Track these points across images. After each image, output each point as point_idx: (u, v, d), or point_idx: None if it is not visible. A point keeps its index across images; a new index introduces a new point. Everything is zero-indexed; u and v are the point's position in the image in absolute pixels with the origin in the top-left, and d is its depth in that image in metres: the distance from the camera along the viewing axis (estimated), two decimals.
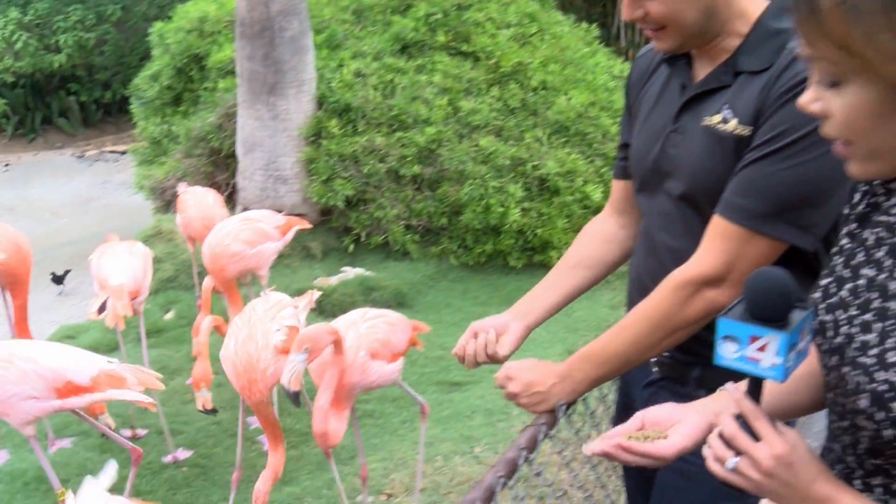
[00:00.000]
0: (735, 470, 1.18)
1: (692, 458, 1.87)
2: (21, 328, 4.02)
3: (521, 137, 6.96)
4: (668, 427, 1.48)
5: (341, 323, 3.25)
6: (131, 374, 3.27)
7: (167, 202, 7.40)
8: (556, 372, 1.86)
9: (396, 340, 3.34)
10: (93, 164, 12.63)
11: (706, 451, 1.25)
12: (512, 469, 1.79)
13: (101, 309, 4.04)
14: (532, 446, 1.87)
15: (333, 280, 6.47)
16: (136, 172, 8.17)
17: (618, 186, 2.11)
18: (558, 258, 7.48)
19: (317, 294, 4.14)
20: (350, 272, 6.56)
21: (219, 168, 7.30)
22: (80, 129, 13.69)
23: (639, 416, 1.51)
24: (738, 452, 1.17)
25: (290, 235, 4.68)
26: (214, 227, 4.62)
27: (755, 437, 1.16)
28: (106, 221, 10.21)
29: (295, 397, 2.73)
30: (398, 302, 6.20)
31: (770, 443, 1.14)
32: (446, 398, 4.99)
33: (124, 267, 4.28)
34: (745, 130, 1.67)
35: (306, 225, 4.94)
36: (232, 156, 7.25)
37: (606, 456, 1.51)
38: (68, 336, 5.90)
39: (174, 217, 6.93)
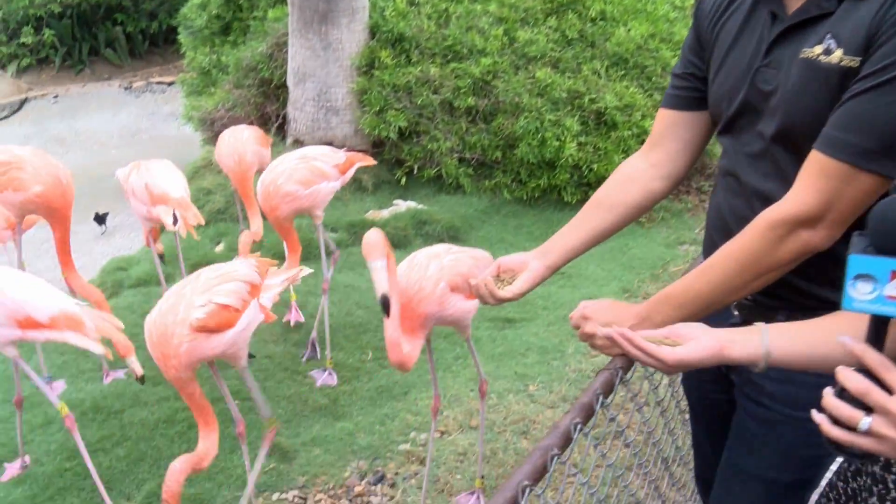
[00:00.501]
0: (869, 431, 1.06)
1: (777, 405, 1.80)
2: (64, 260, 3.97)
3: (578, 69, 6.76)
4: (683, 340, 1.53)
5: (423, 255, 3.17)
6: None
7: (216, 133, 7.33)
8: (635, 313, 1.79)
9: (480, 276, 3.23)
10: (140, 95, 12.64)
11: (818, 417, 1.14)
12: (588, 414, 1.75)
13: (175, 220, 4.05)
14: (608, 391, 1.81)
15: (385, 213, 6.41)
16: (185, 103, 8.12)
17: (662, 116, 2.00)
18: None
19: (306, 271, 3.65)
20: (402, 205, 6.48)
21: (269, 99, 7.21)
22: (127, 60, 13.67)
23: (668, 328, 1.58)
24: (869, 410, 1.06)
25: (350, 174, 4.52)
26: (241, 160, 4.65)
27: (888, 390, 1.04)
28: (154, 153, 10.16)
29: (385, 302, 2.54)
30: (451, 236, 6.12)
31: None
32: (500, 335, 4.94)
33: (177, 179, 4.27)
34: (852, 62, 1.53)
35: (370, 162, 4.73)
36: (283, 86, 7.15)
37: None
38: (119, 268, 5.93)
39: None
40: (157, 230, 4.73)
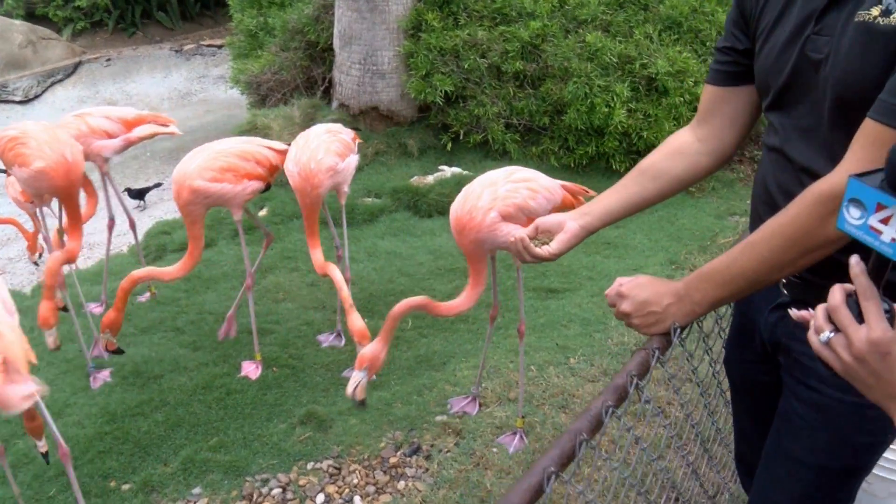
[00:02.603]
0: (827, 344, 1.15)
1: (828, 388, 1.70)
2: (72, 233, 3.82)
3: (629, 33, 6.55)
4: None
5: (478, 182, 3.19)
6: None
7: (262, 96, 7.32)
8: (673, 291, 1.73)
9: (538, 206, 3.20)
10: (190, 58, 12.67)
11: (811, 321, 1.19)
12: (621, 396, 1.67)
13: None
14: (643, 372, 1.74)
15: (430, 179, 6.32)
16: (233, 66, 8.09)
17: (708, 92, 1.91)
18: None
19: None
20: (447, 171, 6.38)
21: (315, 62, 7.13)
22: (179, 23, 13.71)
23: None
24: (837, 329, 1.13)
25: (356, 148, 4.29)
26: (310, 176, 3.80)
27: (861, 318, 1.10)
28: (203, 116, 10.28)
29: (361, 403, 3.03)
30: None
31: (872, 326, 1.08)
32: (542, 305, 4.84)
33: None
34: None
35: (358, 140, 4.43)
36: (329, 49, 7.07)
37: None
38: (163, 231, 5.95)
39: (269, 112, 6.86)
40: None
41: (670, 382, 1.90)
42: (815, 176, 1.57)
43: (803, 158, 1.63)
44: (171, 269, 3.80)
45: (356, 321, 3.46)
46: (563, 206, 3.42)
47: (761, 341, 1.90)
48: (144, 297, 4.89)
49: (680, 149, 1.95)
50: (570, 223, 1.95)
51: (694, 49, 6.62)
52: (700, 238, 5.70)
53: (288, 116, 6.55)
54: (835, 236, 1.49)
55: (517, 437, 3.60)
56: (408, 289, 5.00)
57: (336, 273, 3.71)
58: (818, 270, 1.60)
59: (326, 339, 4.45)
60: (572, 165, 6.61)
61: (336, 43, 6.86)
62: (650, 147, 6.39)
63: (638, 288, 1.77)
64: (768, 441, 1.92)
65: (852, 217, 1.13)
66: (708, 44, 6.68)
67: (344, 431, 3.70)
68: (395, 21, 6.62)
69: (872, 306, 1.10)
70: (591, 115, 6.25)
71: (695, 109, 6.33)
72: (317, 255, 3.82)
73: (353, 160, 4.01)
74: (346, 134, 3.99)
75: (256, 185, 3.87)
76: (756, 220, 1.81)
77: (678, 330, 1.77)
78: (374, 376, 3.13)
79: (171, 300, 4.85)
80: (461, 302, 3.16)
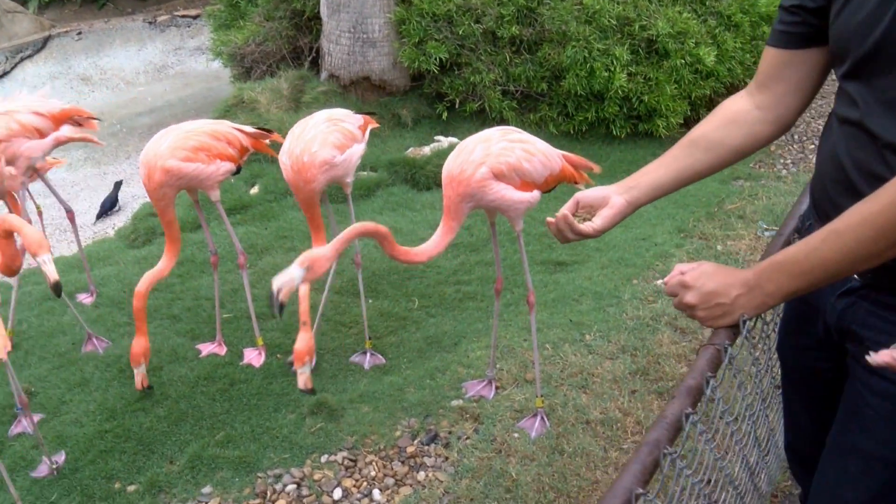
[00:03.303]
0: None
1: None
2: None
3: None
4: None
5: (473, 137, 3.13)
6: None
7: (247, 69, 7.10)
8: (742, 281, 1.61)
9: (532, 170, 3.14)
10: (165, 30, 12.31)
11: None
12: (696, 398, 1.55)
13: None
14: (715, 369, 1.61)
15: (426, 150, 6.14)
16: (213, 38, 7.82)
17: (770, 55, 1.77)
18: (665, 128, 7.07)
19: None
20: (444, 141, 6.21)
21: (301, 31, 6.90)
22: None
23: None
24: None
25: (367, 136, 4.06)
26: (302, 169, 3.56)
27: None
28: (182, 89, 10.01)
29: (280, 307, 2.59)
30: None
31: None
32: (551, 279, 4.71)
33: None
34: None
35: (375, 125, 4.28)
36: (316, 17, 6.83)
37: (890, 367, 1.41)
38: (152, 213, 5.74)
39: (255, 85, 6.63)
40: None
41: (736, 377, 1.77)
42: None
43: (889, 135, 1.49)
44: (163, 265, 3.63)
45: (302, 341, 3.19)
46: (562, 176, 3.33)
47: (825, 328, 1.78)
48: (88, 299, 4.62)
49: (736, 117, 1.83)
50: (616, 198, 1.86)
51: (693, 9, 6.46)
52: (706, 205, 5.59)
53: (275, 89, 6.34)
54: None
55: (538, 419, 3.49)
56: (410, 266, 4.85)
57: (303, 288, 3.31)
58: None
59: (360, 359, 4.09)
60: (571, 132, 6.46)
61: (323, 11, 6.62)
62: (651, 111, 6.28)
63: (703, 277, 1.65)
64: (834, 433, 1.81)
65: None
66: (707, 3, 6.53)
67: (357, 420, 3.57)
68: None
69: None
70: (591, 79, 6.09)
71: (696, 71, 6.24)
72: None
73: (357, 150, 3.75)
74: (350, 122, 3.76)
75: (228, 165, 3.73)
76: (824, 200, 1.69)
77: (746, 322, 1.64)
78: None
79: (164, 287, 4.67)
80: (424, 250, 3.01)
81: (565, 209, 1.88)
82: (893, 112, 1.49)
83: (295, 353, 3.19)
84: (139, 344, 3.56)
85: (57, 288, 2.83)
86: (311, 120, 3.67)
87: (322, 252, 2.67)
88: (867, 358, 1.36)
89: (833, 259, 1.48)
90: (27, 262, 3.69)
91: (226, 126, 3.78)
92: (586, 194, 1.90)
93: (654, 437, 1.43)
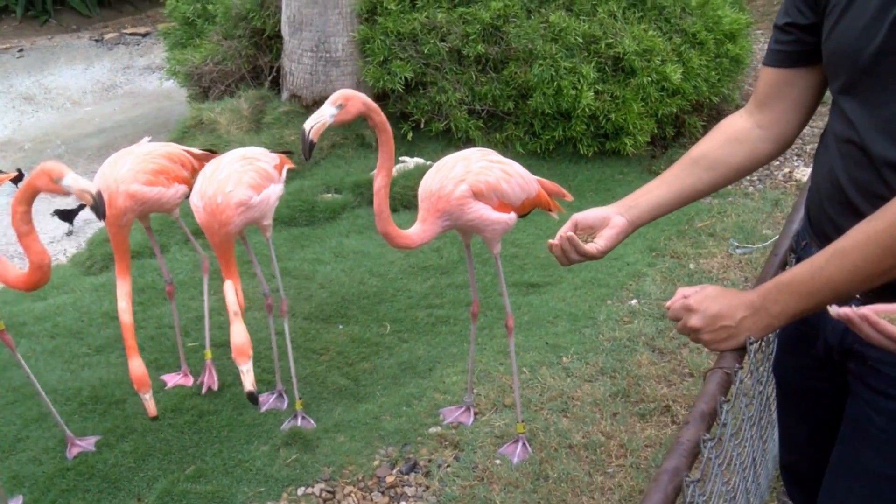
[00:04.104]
0: None
1: None
2: None
3: (593, 12, 6.45)
4: None
5: (454, 156, 3.20)
6: None
7: (204, 88, 7.03)
8: (747, 303, 1.63)
9: (510, 191, 3.19)
10: (112, 47, 12.16)
11: None
12: (710, 422, 1.58)
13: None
14: (725, 392, 1.64)
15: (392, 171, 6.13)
16: (169, 57, 7.74)
17: (767, 75, 1.82)
18: (632, 146, 7.16)
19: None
20: (409, 162, 6.21)
21: (261, 50, 6.86)
22: (96, 9, 13.16)
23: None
24: None
25: (284, 176, 3.79)
26: (216, 211, 3.33)
27: None
28: (131, 109, 9.86)
29: (310, 147, 2.74)
30: None
31: None
32: (524, 301, 4.73)
33: None
34: None
35: (291, 165, 4.06)
36: (277, 36, 6.80)
37: (850, 321, 1.41)
38: (108, 239, 5.63)
39: (214, 105, 6.58)
40: None
41: (743, 399, 1.79)
42: None
43: (887, 153, 1.52)
44: (125, 284, 3.49)
45: (239, 333, 3.04)
46: (538, 201, 3.39)
47: (825, 347, 1.81)
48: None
49: (737, 136, 1.87)
50: (617, 217, 1.89)
51: (659, 27, 6.57)
52: (676, 222, 5.66)
53: (235, 109, 6.29)
54: None
55: (520, 444, 3.49)
56: (381, 290, 4.84)
57: (227, 293, 3.23)
58: None
59: (267, 401, 3.87)
60: (538, 151, 6.51)
61: (285, 29, 6.60)
62: (618, 129, 6.36)
63: (708, 300, 1.67)
64: (838, 453, 1.83)
65: None
66: (672, 21, 6.64)
67: (333, 451, 3.53)
68: (348, 5, 6.39)
69: None
70: (558, 98, 6.15)
71: (662, 89, 6.34)
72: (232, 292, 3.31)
73: (275, 191, 3.55)
74: (266, 161, 3.55)
75: (184, 188, 3.68)
76: (823, 219, 1.72)
77: (752, 345, 1.67)
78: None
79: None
80: (412, 233, 3.08)
81: (567, 230, 1.89)
82: (889, 130, 1.52)
83: (234, 348, 2.99)
84: (138, 366, 3.28)
85: (252, 397, 2.88)
86: (224, 159, 3.48)
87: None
88: (829, 308, 1.42)
89: (839, 278, 1.50)
90: None
91: (177, 148, 3.75)
92: (585, 215, 1.92)
93: (674, 464, 1.43)
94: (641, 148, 6.48)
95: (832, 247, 1.52)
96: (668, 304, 1.75)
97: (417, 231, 3.06)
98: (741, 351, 1.68)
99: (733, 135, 1.87)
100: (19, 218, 2.90)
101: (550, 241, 1.91)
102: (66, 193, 2.83)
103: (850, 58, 1.56)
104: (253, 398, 2.89)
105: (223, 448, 3.55)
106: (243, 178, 3.37)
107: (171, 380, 4.00)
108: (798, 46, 1.73)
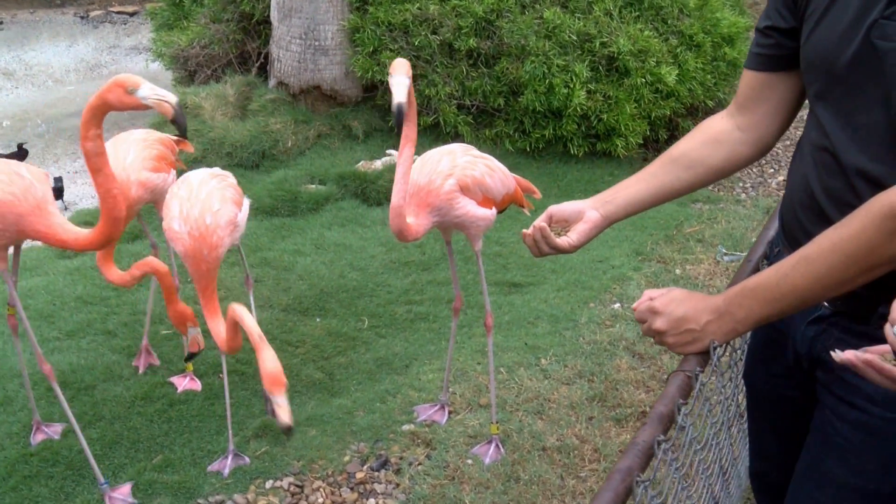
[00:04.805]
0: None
1: (876, 408, 1.65)
2: None
3: (589, 10, 6.51)
4: None
5: (438, 151, 3.26)
6: None
7: (190, 72, 7.06)
8: (713, 307, 1.66)
9: (493, 186, 3.25)
10: (98, 25, 12.18)
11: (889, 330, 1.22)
12: (668, 425, 1.60)
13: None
14: (686, 396, 1.66)
15: (378, 164, 6.18)
16: (155, 38, 7.76)
17: (748, 77, 1.84)
18: (624, 147, 7.19)
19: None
20: (396, 156, 6.23)
21: (249, 35, 6.90)
22: None
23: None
24: None
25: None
26: (204, 235, 3.14)
27: None
28: None
29: (400, 113, 2.74)
30: None
31: None
32: (506, 301, 4.78)
33: None
34: None
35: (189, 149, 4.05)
36: (266, 22, 6.84)
37: (854, 366, 1.40)
38: (86, 221, 5.66)
39: (199, 90, 6.60)
40: None
41: (705, 404, 1.84)
42: (872, 182, 1.51)
43: (859, 161, 1.55)
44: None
45: (269, 361, 2.44)
46: (515, 197, 3.45)
47: (795, 355, 1.84)
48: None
49: (717, 137, 1.89)
50: (591, 212, 1.90)
51: (655, 27, 6.63)
52: (664, 227, 5.72)
53: (221, 95, 6.32)
54: None
55: (493, 445, 3.54)
56: (360, 284, 4.88)
57: (245, 316, 2.65)
58: (869, 283, 1.54)
59: (221, 465, 3.47)
60: (528, 149, 6.56)
61: (274, 15, 6.64)
62: (610, 130, 6.41)
63: (674, 303, 1.70)
64: (803, 461, 1.87)
65: None
66: (669, 21, 6.70)
67: (304, 444, 3.58)
68: None
69: None
70: (550, 96, 6.20)
71: (657, 91, 6.40)
72: (218, 328, 3.07)
73: (246, 209, 3.45)
74: (232, 178, 3.46)
75: (174, 174, 3.68)
76: (795, 227, 1.75)
77: (716, 349, 1.70)
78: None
79: (99, 299, 4.61)
80: (414, 224, 3.06)
81: (540, 221, 1.91)
82: (862, 138, 1.54)
83: (267, 378, 2.40)
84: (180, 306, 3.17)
85: (288, 431, 2.33)
86: (193, 178, 3.28)
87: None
88: (832, 354, 1.41)
89: (804, 285, 1.53)
90: None
91: (162, 134, 3.77)
92: (560, 208, 1.93)
93: (627, 464, 1.47)
94: (633, 150, 6.54)
95: (798, 253, 1.55)
96: (634, 305, 1.78)
97: (413, 223, 3.08)
98: (705, 355, 1.71)
99: (713, 136, 1.90)
100: (91, 145, 2.63)
101: (524, 230, 1.93)
102: (145, 107, 2.57)
103: (826, 64, 1.58)
104: (289, 431, 2.38)
105: (192, 438, 3.59)
106: (226, 195, 3.25)
107: (180, 383, 3.95)
108: (778, 50, 1.75)
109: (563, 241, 1.89)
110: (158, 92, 2.58)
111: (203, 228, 3.11)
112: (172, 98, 2.58)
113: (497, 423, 3.59)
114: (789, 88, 1.80)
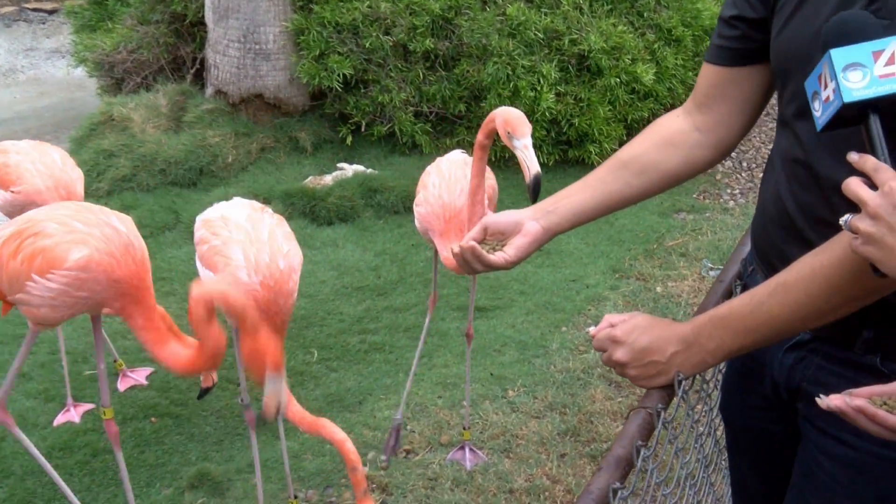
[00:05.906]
0: (848, 226, 1.29)
1: (864, 443, 1.64)
2: None
3: (556, 4, 6.58)
4: None
5: (448, 165, 3.47)
6: None
7: (117, 80, 7.02)
8: (679, 336, 1.63)
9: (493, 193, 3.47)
10: (11, 24, 12.04)
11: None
12: (626, 470, 1.56)
13: None
14: (646, 436, 1.63)
15: (328, 179, 6.18)
16: (76, 41, 7.72)
17: (709, 72, 1.81)
18: (598, 154, 7.25)
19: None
20: (348, 169, 6.27)
21: (183, 39, 6.89)
22: None
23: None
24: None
25: None
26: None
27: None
28: (37, 99, 9.76)
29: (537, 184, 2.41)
30: (407, 207, 5.92)
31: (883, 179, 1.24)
32: None
33: None
34: None
35: None
36: (200, 23, 6.84)
37: (843, 413, 1.37)
38: None
39: (127, 99, 6.57)
40: None
41: (672, 444, 1.84)
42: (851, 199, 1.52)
43: (836, 174, 1.50)
44: None
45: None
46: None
47: (773, 386, 1.84)
48: None
49: (673, 139, 1.86)
50: (530, 223, 1.82)
51: (630, 21, 6.70)
52: (644, 241, 5.77)
53: (152, 105, 6.31)
54: (890, 282, 1.45)
55: (467, 450, 3.71)
56: (309, 312, 4.87)
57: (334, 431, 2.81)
58: None
59: None
60: (493, 159, 6.58)
61: (209, 16, 6.64)
62: (582, 137, 6.46)
63: (637, 331, 1.67)
64: (788, 502, 1.87)
65: (856, 82, 1.28)
66: (645, 15, 6.78)
67: (245, 494, 3.55)
68: None
69: (883, 169, 1.26)
70: (515, 100, 6.24)
71: (632, 91, 6.46)
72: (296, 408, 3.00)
73: None
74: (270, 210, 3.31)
75: None
76: (767, 245, 1.75)
77: (682, 382, 1.69)
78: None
79: (12, 338, 4.56)
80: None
81: (471, 236, 1.85)
82: (839, 149, 1.49)
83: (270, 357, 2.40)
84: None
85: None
86: (242, 212, 3.09)
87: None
88: (817, 399, 1.37)
89: (782, 315, 1.51)
90: None
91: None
92: (496, 219, 1.86)
93: None
94: (608, 156, 6.55)
95: (775, 280, 1.53)
96: (592, 331, 1.74)
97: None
98: (670, 389, 1.69)
99: (668, 137, 1.86)
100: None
101: (452, 247, 1.88)
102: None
103: (800, 63, 1.56)
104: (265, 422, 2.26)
105: (119, 492, 3.54)
106: (287, 232, 3.08)
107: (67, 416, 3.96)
108: (744, 43, 1.73)
109: (497, 257, 1.82)
110: None
111: (278, 276, 2.94)
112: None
113: (468, 429, 3.75)
114: (755, 85, 1.77)
